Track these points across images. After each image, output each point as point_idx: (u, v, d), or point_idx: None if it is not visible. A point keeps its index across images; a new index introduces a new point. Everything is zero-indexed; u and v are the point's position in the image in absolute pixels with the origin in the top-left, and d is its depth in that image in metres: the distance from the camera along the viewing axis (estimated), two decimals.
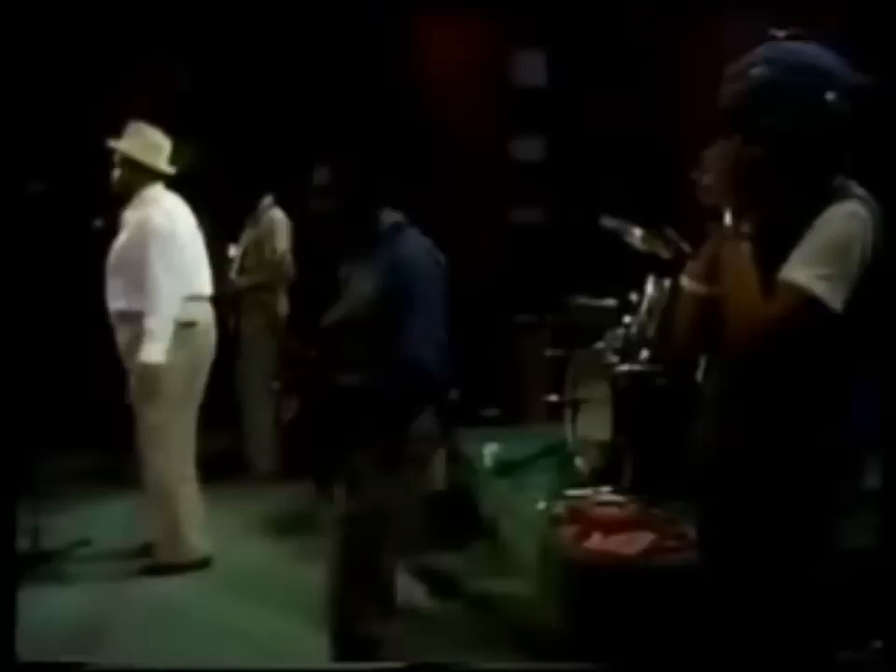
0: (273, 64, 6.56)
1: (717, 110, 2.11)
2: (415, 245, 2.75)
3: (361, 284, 2.69)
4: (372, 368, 2.63)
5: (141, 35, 6.48)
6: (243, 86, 6.57)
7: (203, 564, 4.60)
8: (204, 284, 4.67)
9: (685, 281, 2.22)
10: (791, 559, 2.08)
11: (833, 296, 1.98)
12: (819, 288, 1.97)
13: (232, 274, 6.03)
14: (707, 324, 2.13)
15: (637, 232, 4.62)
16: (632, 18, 6.45)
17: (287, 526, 5.14)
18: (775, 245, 2.03)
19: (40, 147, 5.84)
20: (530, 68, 7.09)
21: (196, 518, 4.63)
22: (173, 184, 4.68)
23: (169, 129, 4.69)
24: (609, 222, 4.71)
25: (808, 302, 1.98)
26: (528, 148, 7.16)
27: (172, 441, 4.52)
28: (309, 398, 2.76)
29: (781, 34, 2.17)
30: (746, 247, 2.06)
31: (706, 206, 2.11)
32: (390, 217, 2.78)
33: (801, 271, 1.99)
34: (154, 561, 4.58)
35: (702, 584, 2.24)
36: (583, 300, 5.51)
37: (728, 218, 2.08)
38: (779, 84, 2.04)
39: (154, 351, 4.34)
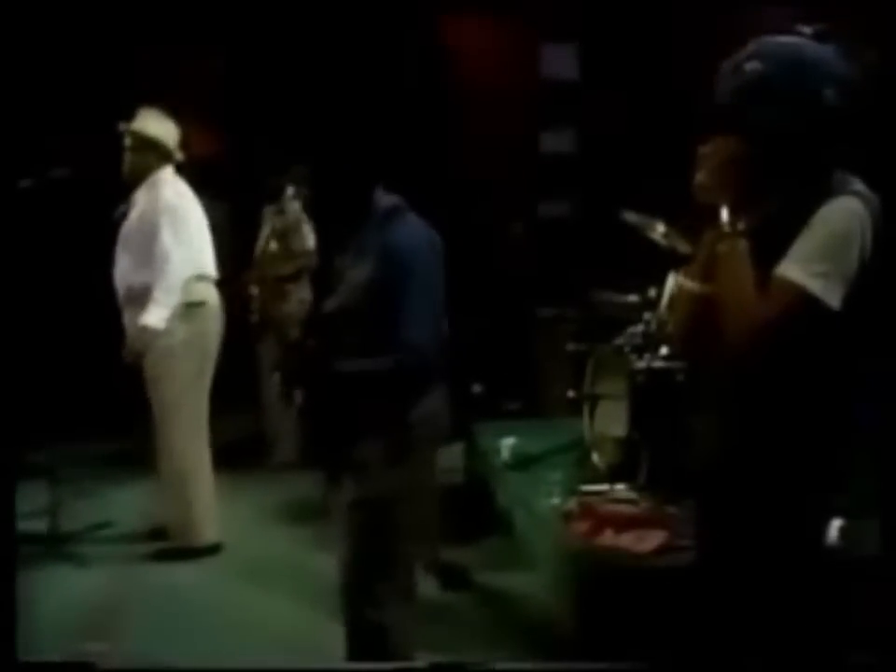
0: (297, 52, 6.58)
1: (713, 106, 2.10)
2: (412, 228, 2.71)
3: (358, 270, 2.67)
4: (371, 355, 2.62)
5: (172, 20, 6.52)
6: (265, 74, 6.60)
7: (214, 549, 4.64)
8: (211, 266, 4.70)
9: (682, 279, 2.20)
10: (788, 560, 2.07)
11: (829, 293, 1.95)
12: (815, 286, 1.95)
13: (263, 264, 6.07)
14: (704, 323, 2.11)
15: (660, 228, 4.58)
16: (662, 12, 6.40)
17: (305, 514, 5.16)
18: (772, 241, 2.01)
19: (66, 131, 5.92)
20: (559, 61, 7.07)
21: (209, 502, 4.67)
22: (189, 170, 4.72)
23: (196, 115, 4.73)
24: (630, 217, 4.68)
25: (804, 300, 1.95)
26: (556, 142, 7.14)
27: (185, 421, 4.57)
28: (310, 386, 2.75)
29: (808, 30, 2.15)
30: (742, 245, 2.04)
31: (702, 204, 2.10)
32: (386, 199, 2.74)
33: (796, 268, 1.96)
34: (166, 544, 4.63)
35: (700, 584, 2.23)
36: (606, 295, 5.48)
37: (724, 216, 2.06)
38: (773, 79, 2.02)
39: (154, 315, 4.38)
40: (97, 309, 4.70)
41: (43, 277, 5.85)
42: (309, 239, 5.94)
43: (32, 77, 6.06)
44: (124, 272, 4.51)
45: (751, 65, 2.04)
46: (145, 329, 4.39)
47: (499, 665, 3.13)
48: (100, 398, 5.93)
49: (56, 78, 6.35)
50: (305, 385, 2.76)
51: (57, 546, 4.62)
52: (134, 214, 4.55)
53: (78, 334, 6.09)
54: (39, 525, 4.64)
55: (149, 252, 4.41)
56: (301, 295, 6.02)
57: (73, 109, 6.21)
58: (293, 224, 5.99)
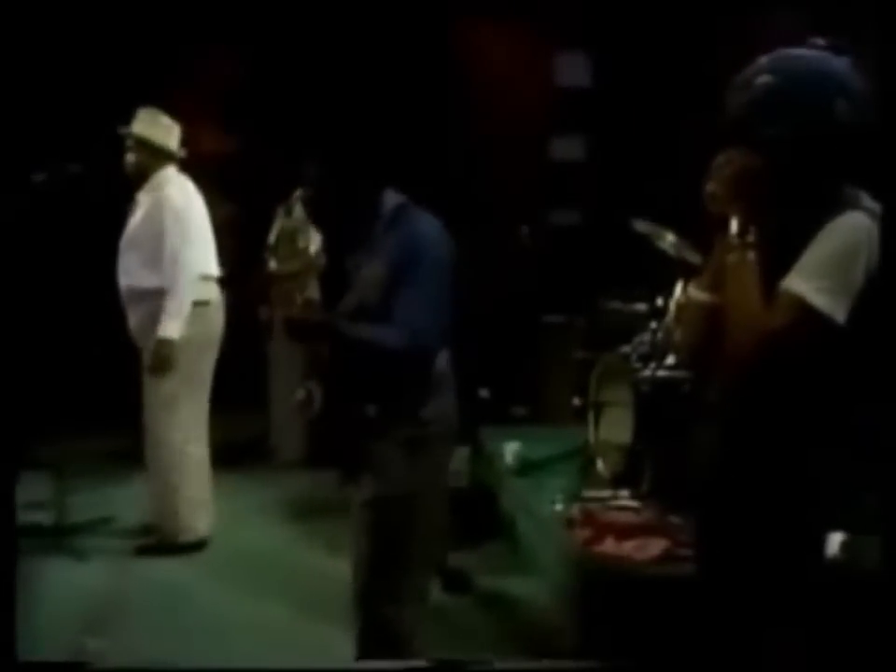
0: (311, 55, 6.60)
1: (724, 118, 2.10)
2: (424, 222, 2.72)
3: (371, 267, 2.67)
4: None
5: (189, 22, 6.55)
6: (279, 75, 6.62)
7: (198, 546, 4.65)
8: (214, 265, 4.72)
9: (691, 289, 2.21)
10: (787, 571, 2.07)
11: (834, 308, 1.96)
12: (820, 300, 1.95)
13: (272, 264, 6.09)
14: (711, 333, 2.12)
15: (669, 237, 4.59)
16: (676, 21, 6.40)
17: (309, 512, 5.19)
18: (780, 254, 2.02)
19: (81, 128, 5.94)
20: (573, 69, 7.08)
21: (199, 499, 4.67)
22: (202, 168, 4.74)
23: (212, 114, 4.74)
24: (640, 226, 4.68)
25: (809, 314, 1.96)
26: (567, 149, 7.15)
27: (181, 417, 4.57)
28: (328, 380, 2.76)
29: (822, 42, 2.16)
30: (751, 257, 2.04)
31: (713, 215, 2.10)
32: (396, 199, 2.75)
33: (802, 282, 1.97)
34: (152, 539, 4.65)
35: (699, 593, 2.24)
36: (615, 303, 5.49)
37: (734, 227, 2.07)
38: (785, 93, 2.02)
39: (172, 328, 4.41)
40: (103, 304, 4.70)
41: (51, 271, 5.88)
42: (314, 239, 5.94)
43: (48, 71, 6.10)
44: (129, 272, 4.52)
45: (763, 78, 2.05)
46: (163, 343, 4.42)
47: (500, 665, 3.14)
48: (105, 392, 5.95)
49: (73, 73, 6.39)
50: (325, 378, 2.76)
51: (56, 540, 4.62)
52: (139, 214, 4.56)
53: (85, 329, 6.10)
54: (40, 518, 4.66)
55: (156, 255, 4.44)
56: (308, 295, 6.02)
57: (88, 104, 6.24)
58: (300, 224, 6.01)
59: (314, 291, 6.06)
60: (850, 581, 2.69)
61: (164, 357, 4.43)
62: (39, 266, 4.78)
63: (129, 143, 4.62)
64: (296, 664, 3.35)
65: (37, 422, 4.17)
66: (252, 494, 5.52)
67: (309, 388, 2.81)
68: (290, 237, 6.05)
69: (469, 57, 6.98)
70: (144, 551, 4.62)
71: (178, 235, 4.44)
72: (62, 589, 4.18)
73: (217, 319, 4.70)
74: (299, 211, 6.02)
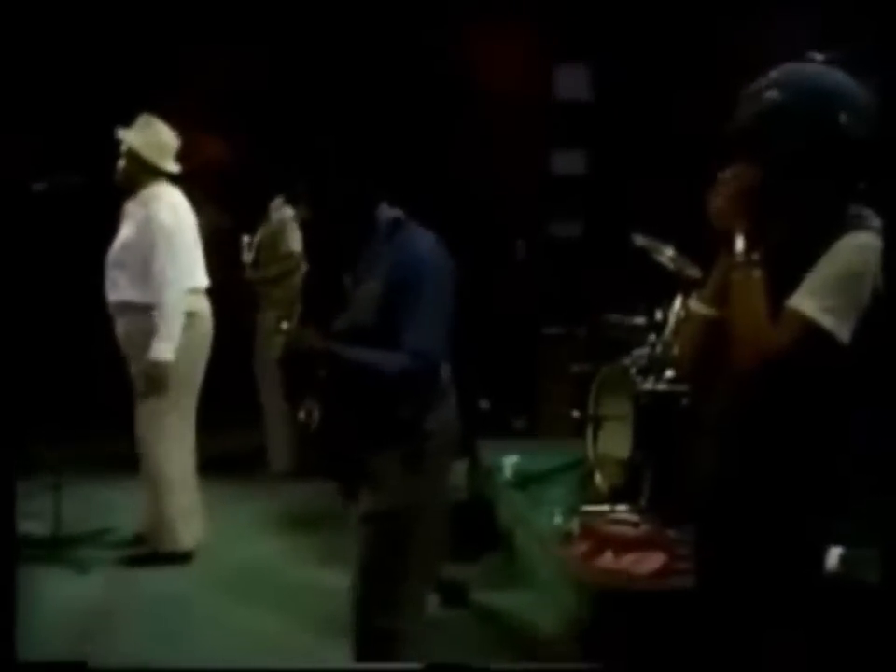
0: (306, 69, 6.63)
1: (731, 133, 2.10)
2: (420, 238, 2.68)
3: (368, 285, 2.64)
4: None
5: (190, 31, 6.58)
6: (275, 82, 6.65)
7: (187, 557, 4.62)
8: (201, 278, 4.71)
9: (693, 303, 2.20)
10: (787, 584, 2.06)
11: (840, 328, 1.95)
12: (826, 320, 1.95)
13: (248, 270, 6.09)
14: (712, 347, 2.11)
15: (668, 252, 4.60)
16: (676, 34, 6.42)
17: (300, 524, 5.18)
18: (786, 271, 2.01)
19: (81, 139, 5.95)
20: (572, 82, 7.10)
21: (189, 510, 4.65)
22: (194, 176, 4.74)
23: (209, 125, 4.74)
24: (640, 240, 4.69)
25: (814, 333, 1.95)
26: (567, 162, 7.16)
27: (170, 429, 4.56)
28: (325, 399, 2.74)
29: (820, 57, 2.16)
30: (757, 273, 2.03)
31: (717, 229, 2.09)
32: (390, 213, 2.71)
33: (808, 301, 1.96)
34: (144, 549, 4.63)
35: (700, 608, 2.23)
36: (614, 316, 5.49)
37: (739, 243, 2.06)
38: (792, 108, 2.01)
39: (164, 349, 4.41)
40: (99, 310, 4.67)
41: (49, 279, 5.87)
42: (293, 242, 5.92)
43: (50, 82, 6.12)
44: (117, 287, 4.51)
45: (770, 93, 2.04)
46: (156, 365, 4.42)
47: (495, 667, 3.12)
48: (102, 397, 5.93)
49: (74, 83, 6.40)
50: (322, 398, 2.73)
51: (52, 550, 4.60)
52: (127, 230, 4.54)
53: (80, 334, 6.09)
54: (36, 528, 4.65)
55: (144, 272, 4.43)
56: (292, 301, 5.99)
57: (88, 114, 6.25)
58: (277, 230, 6.02)
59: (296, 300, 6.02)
60: (850, 593, 2.69)
61: (156, 377, 4.43)
62: (36, 273, 4.76)
63: (122, 148, 4.58)
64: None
65: (34, 427, 4.17)
66: (246, 505, 5.50)
67: (309, 407, 2.79)
68: (271, 242, 6.06)
69: (468, 70, 6.99)
70: (138, 561, 4.60)
71: (167, 255, 4.43)
72: (56, 599, 4.17)
73: (203, 331, 4.67)
74: (277, 217, 6.04)
